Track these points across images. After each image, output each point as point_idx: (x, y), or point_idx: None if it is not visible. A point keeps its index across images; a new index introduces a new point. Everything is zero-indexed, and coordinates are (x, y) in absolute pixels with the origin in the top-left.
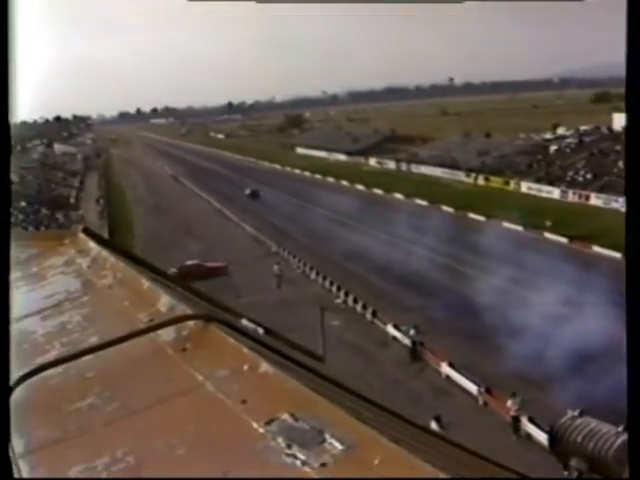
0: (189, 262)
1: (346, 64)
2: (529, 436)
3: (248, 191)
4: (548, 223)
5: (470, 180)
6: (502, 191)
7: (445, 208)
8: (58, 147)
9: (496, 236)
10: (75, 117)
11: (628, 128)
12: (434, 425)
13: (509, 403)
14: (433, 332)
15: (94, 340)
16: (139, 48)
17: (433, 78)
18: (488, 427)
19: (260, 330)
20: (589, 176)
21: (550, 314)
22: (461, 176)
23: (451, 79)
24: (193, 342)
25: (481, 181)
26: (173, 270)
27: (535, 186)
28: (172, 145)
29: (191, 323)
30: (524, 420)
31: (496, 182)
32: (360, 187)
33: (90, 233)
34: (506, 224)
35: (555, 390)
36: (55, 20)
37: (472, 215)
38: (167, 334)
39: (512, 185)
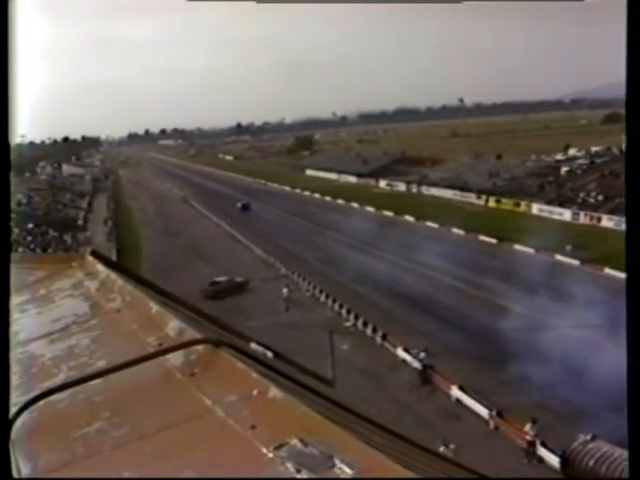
0: (219, 279)
1: (357, 85)
2: (541, 460)
3: (240, 205)
4: (569, 247)
5: (481, 202)
6: (513, 213)
7: (456, 230)
8: (66, 168)
9: (507, 259)
10: (84, 138)
11: (628, 129)
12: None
13: (527, 427)
14: (443, 355)
15: (102, 364)
16: (148, 68)
17: (444, 99)
18: (499, 451)
19: (269, 354)
20: (601, 198)
21: (563, 337)
22: (472, 198)
23: (461, 100)
24: (202, 366)
25: (492, 203)
26: (207, 287)
27: (546, 208)
28: (181, 167)
29: (200, 347)
30: (537, 444)
31: (507, 204)
32: (370, 209)
33: (98, 256)
34: (517, 246)
35: (568, 415)
36: (63, 40)
37: (483, 237)
38: (176, 358)
39: (523, 207)
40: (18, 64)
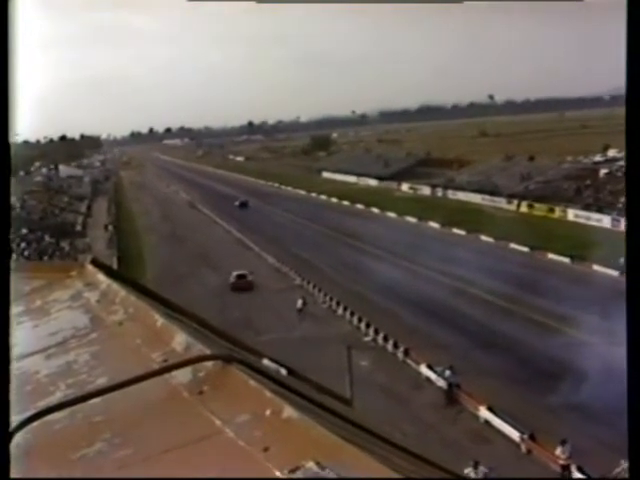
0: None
1: (377, 81)
2: None
3: (237, 203)
4: (608, 257)
5: (512, 207)
6: (547, 219)
7: (484, 238)
8: (63, 169)
9: (540, 269)
10: (82, 137)
11: (628, 129)
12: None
13: (558, 451)
14: (470, 373)
15: (103, 382)
16: (153, 62)
17: (471, 95)
18: (533, 476)
19: (283, 371)
20: None
21: (600, 354)
22: (502, 203)
23: (491, 97)
24: (211, 384)
25: (524, 208)
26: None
27: (583, 214)
28: (188, 168)
29: (209, 364)
30: (573, 469)
31: (540, 209)
32: (392, 215)
33: (99, 264)
34: (551, 255)
35: (605, 438)
36: (59, 31)
37: (514, 246)
38: (183, 375)
39: (558, 213)
40: (18, 62)
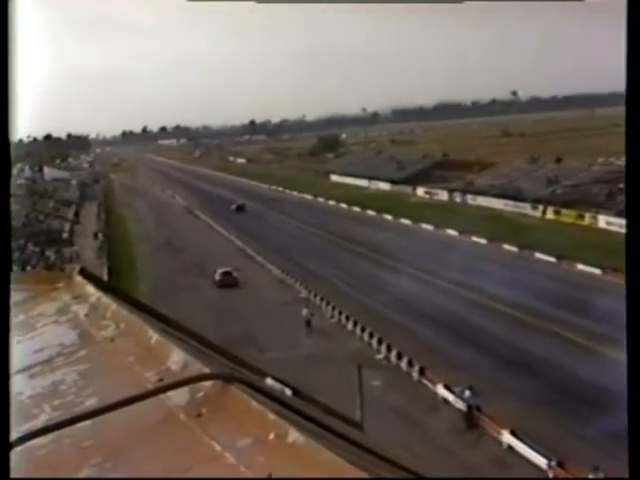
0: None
1: (390, 76)
2: None
3: (234, 206)
4: None
5: (537, 213)
6: (576, 226)
7: (507, 247)
8: (49, 171)
9: (569, 281)
10: (69, 136)
11: (628, 129)
12: None
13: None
14: (492, 394)
15: (92, 403)
16: (147, 56)
17: (493, 92)
18: None
19: (288, 392)
20: None
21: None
22: (526, 209)
23: (514, 93)
24: (210, 406)
25: (550, 215)
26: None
27: (616, 220)
28: (184, 171)
29: (208, 384)
30: None
31: (569, 216)
32: (406, 222)
33: (88, 275)
34: (581, 266)
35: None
36: (44, 22)
37: (540, 255)
38: (180, 396)
39: (588, 219)
40: (18, 61)
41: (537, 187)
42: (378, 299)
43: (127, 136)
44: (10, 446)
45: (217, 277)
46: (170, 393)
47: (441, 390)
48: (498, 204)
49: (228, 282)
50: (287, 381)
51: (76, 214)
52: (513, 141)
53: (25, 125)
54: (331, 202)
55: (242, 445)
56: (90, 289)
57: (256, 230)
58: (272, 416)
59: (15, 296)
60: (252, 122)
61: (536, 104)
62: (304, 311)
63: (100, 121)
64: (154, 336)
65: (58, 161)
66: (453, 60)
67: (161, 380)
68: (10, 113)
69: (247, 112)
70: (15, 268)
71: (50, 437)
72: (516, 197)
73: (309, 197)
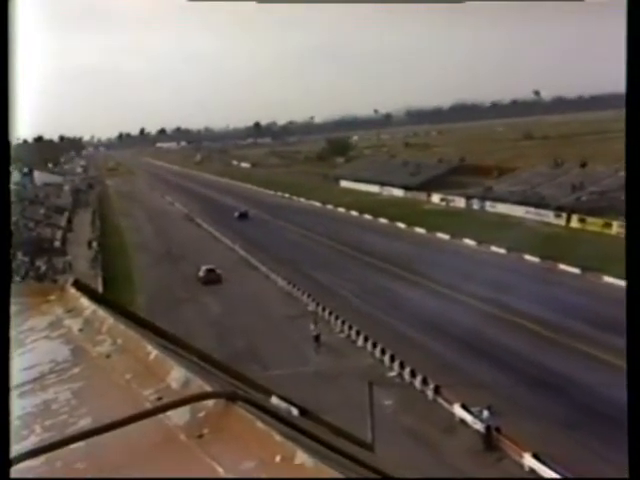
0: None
1: (404, 76)
2: None
3: (237, 214)
4: None
5: (561, 222)
6: (602, 236)
7: (528, 257)
8: (39, 176)
9: (595, 294)
10: (62, 138)
11: (628, 129)
12: None
13: None
14: (513, 415)
15: (86, 423)
16: (145, 53)
17: (514, 92)
18: None
19: (295, 411)
20: None
21: None
22: (549, 217)
23: (537, 93)
24: (212, 426)
25: (575, 223)
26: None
27: None
28: (185, 176)
29: (210, 403)
30: None
31: (595, 224)
32: (420, 230)
33: (82, 287)
34: (608, 278)
35: None
36: (38, 13)
37: (563, 267)
38: (180, 416)
39: (615, 228)
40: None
41: (561, 193)
42: (390, 313)
43: (124, 138)
44: (9, 463)
45: (201, 274)
46: (170, 413)
47: (458, 410)
48: (519, 211)
49: (212, 279)
50: (294, 400)
51: (69, 221)
52: (535, 144)
53: (14, 126)
54: (341, 209)
55: (246, 468)
56: (84, 302)
57: (261, 239)
58: (278, 437)
59: None
60: (257, 124)
61: (560, 104)
62: (312, 326)
63: (95, 122)
64: (153, 352)
65: (50, 165)
66: (471, 58)
67: (160, 399)
68: (10, 114)
69: (251, 113)
70: None
71: (41, 459)
72: (538, 204)
73: (317, 204)
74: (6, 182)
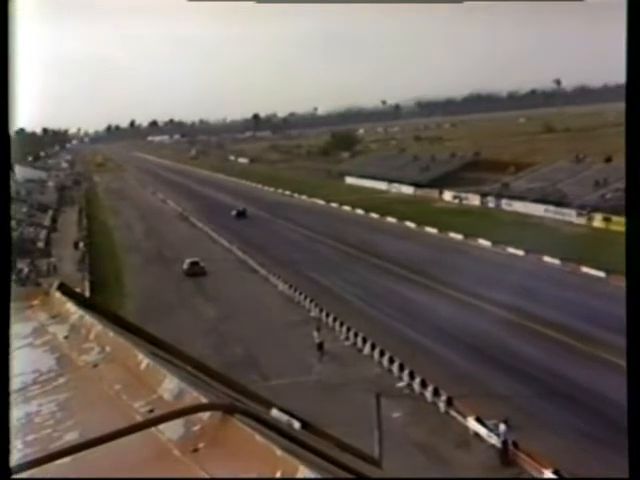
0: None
1: (414, 63)
2: None
3: (234, 212)
4: None
5: (583, 221)
6: None
7: (548, 259)
8: (21, 171)
9: (621, 299)
10: (45, 131)
11: (628, 129)
12: None
13: None
14: (531, 428)
15: (73, 438)
16: (136, 40)
17: (533, 81)
18: None
19: (296, 424)
20: None
21: None
22: (571, 216)
23: (558, 82)
24: (208, 440)
25: (598, 222)
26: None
27: None
28: (178, 172)
29: (205, 415)
30: None
31: (620, 224)
32: (431, 230)
33: (68, 291)
34: None
35: None
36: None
37: (586, 270)
38: (173, 430)
39: None
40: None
41: (583, 191)
42: (399, 319)
43: (113, 131)
44: (10, 472)
45: (185, 267)
46: (162, 426)
47: (472, 423)
48: (538, 210)
49: (196, 271)
50: (295, 412)
51: (53, 221)
52: (556, 137)
53: None
54: (346, 208)
55: None
56: (70, 307)
57: (260, 240)
58: (279, 452)
59: None
60: (255, 116)
61: (583, 94)
62: (314, 333)
63: (82, 114)
64: (144, 361)
65: (33, 160)
66: (487, 45)
67: (152, 411)
68: (10, 112)
69: (250, 105)
70: None
71: (24, 476)
72: (559, 202)
73: (320, 202)
74: (6, 182)
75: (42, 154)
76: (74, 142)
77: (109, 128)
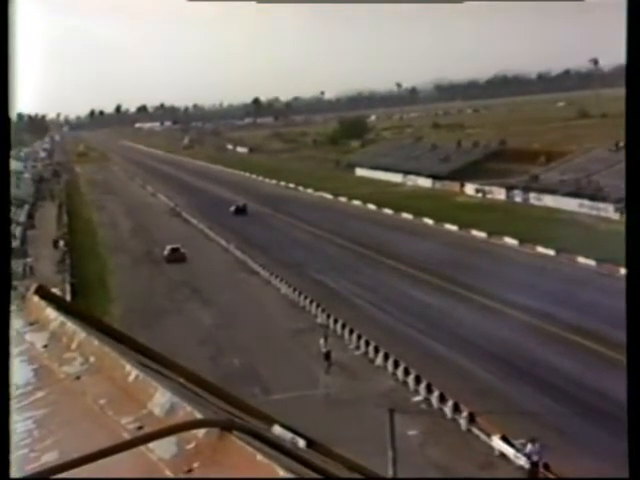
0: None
1: (431, 44)
2: None
3: (232, 208)
4: None
5: (622, 217)
6: None
7: (582, 260)
8: None
9: None
10: (20, 116)
11: (628, 129)
12: None
13: None
14: (562, 448)
15: (53, 457)
16: (123, 19)
17: (566, 61)
18: None
19: (301, 442)
20: None
21: None
22: (608, 211)
23: (595, 61)
24: (204, 459)
25: None
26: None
27: None
28: (170, 162)
29: (200, 432)
30: None
31: None
32: (451, 227)
33: (47, 295)
34: None
35: None
36: None
37: (625, 271)
38: (165, 448)
39: None
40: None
41: (622, 183)
42: (415, 326)
43: (96, 117)
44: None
45: (165, 253)
46: (153, 444)
47: (497, 442)
48: (571, 205)
49: (176, 258)
50: (300, 429)
51: (30, 216)
52: (591, 123)
53: None
54: (356, 203)
55: None
56: (50, 313)
57: (261, 238)
58: (282, 472)
59: None
60: (256, 101)
61: (623, 75)
62: (321, 341)
63: (62, 98)
64: (132, 372)
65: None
66: (514, 20)
67: (141, 428)
68: (10, 112)
69: (250, 88)
70: None
71: None
72: (594, 196)
73: (328, 196)
74: (6, 182)
75: (25, 150)
76: (57, 136)
77: (92, 113)
